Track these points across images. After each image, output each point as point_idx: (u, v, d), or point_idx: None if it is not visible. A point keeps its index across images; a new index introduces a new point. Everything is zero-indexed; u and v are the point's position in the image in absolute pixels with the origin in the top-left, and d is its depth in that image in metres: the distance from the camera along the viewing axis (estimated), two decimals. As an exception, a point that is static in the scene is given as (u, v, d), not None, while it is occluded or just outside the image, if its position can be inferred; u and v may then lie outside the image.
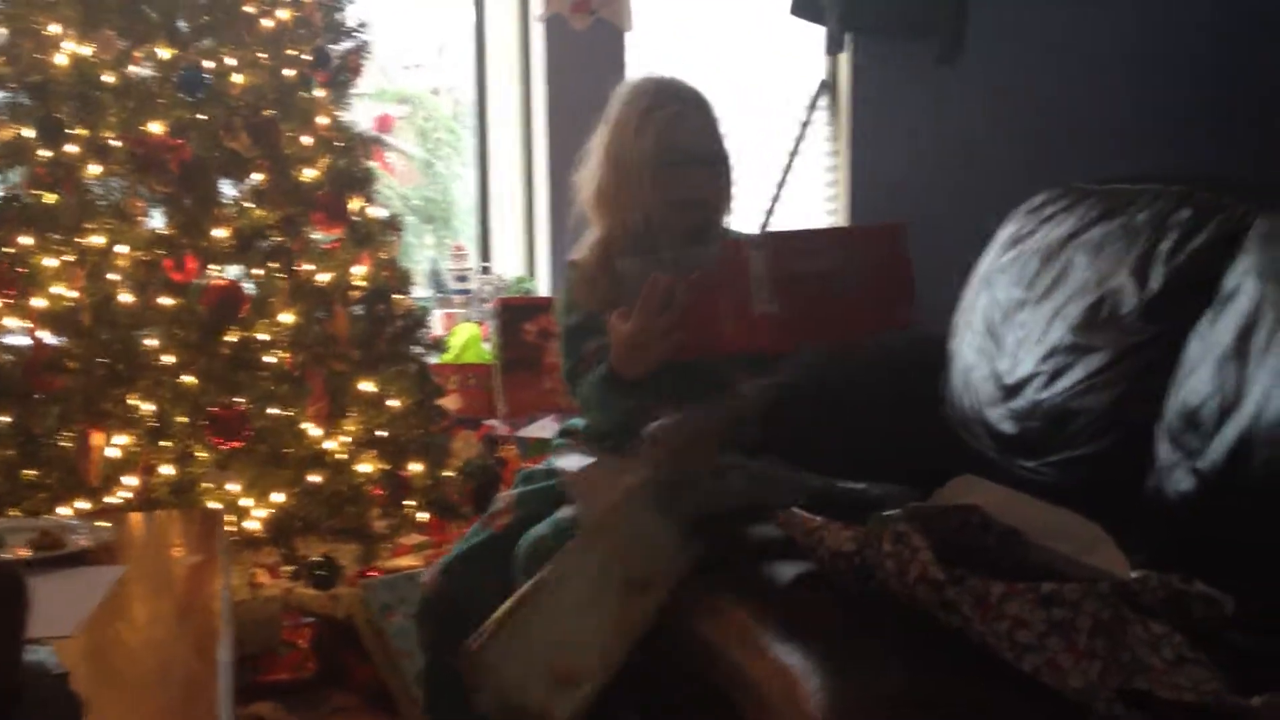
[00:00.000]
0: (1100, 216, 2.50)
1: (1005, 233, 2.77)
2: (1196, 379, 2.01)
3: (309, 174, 2.92)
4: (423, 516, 3.04)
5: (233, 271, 2.90)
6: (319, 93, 2.99)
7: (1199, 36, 4.01)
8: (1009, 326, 2.54)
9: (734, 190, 2.44)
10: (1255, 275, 2.00)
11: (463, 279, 4.01)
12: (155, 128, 2.77)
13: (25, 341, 2.74)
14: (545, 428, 3.52)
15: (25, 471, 2.68)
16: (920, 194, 4.13)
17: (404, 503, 2.96)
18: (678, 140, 2.33)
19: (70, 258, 2.71)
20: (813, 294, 2.05)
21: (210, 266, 2.82)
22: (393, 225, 3.13)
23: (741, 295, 2.02)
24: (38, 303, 2.69)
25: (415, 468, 2.98)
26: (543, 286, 4.04)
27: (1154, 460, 2.05)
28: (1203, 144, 3.92)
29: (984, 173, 3.98)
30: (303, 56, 2.96)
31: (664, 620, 2.00)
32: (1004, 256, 2.70)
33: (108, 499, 2.69)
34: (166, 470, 2.74)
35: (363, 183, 3.02)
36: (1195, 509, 1.92)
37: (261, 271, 2.88)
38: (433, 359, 3.22)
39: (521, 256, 4.18)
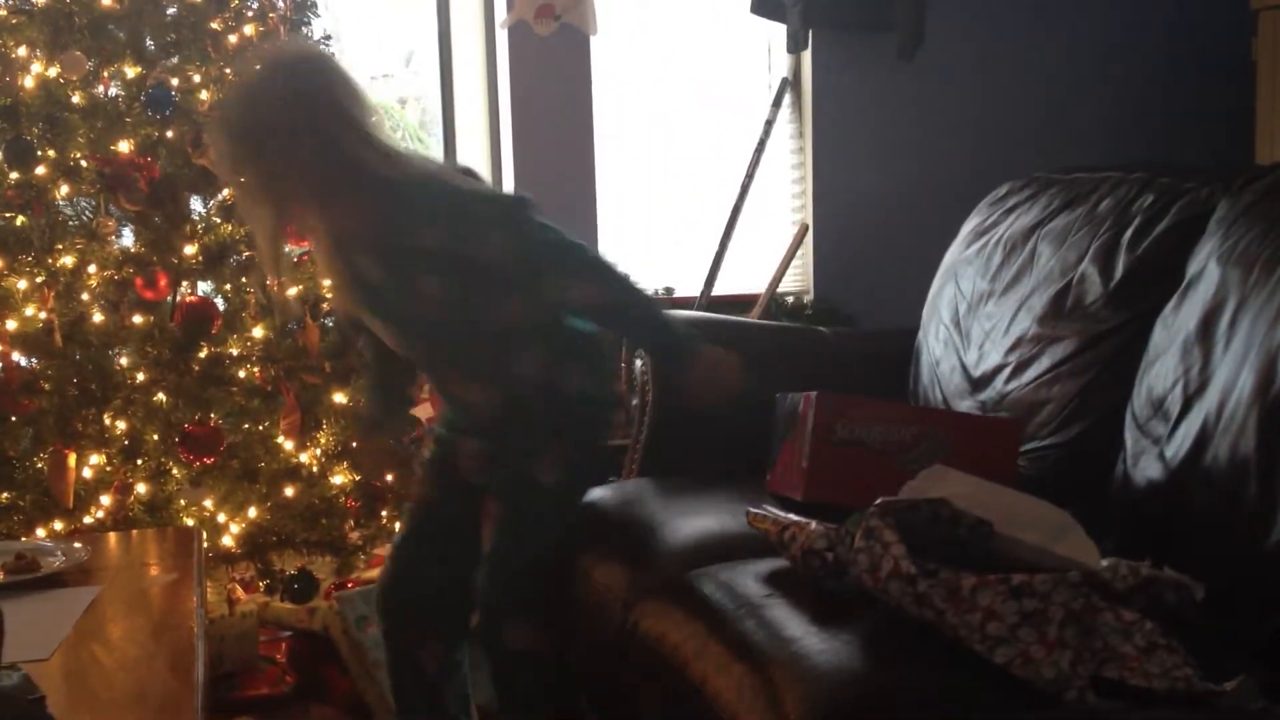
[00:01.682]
0: (1064, 206, 2.51)
1: (970, 225, 2.79)
2: (1162, 366, 2.03)
3: (277, 187, 2.92)
4: (397, 526, 3.04)
5: (203, 287, 2.90)
6: (285, 106, 2.98)
7: (1157, 23, 4.04)
8: (975, 318, 2.56)
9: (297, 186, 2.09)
10: (1217, 260, 2.02)
11: (434, 287, 4.01)
12: (124, 147, 2.76)
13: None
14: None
15: (0, 494, 2.68)
16: (884, 188, 4.16)
17: (378, 513, 2.96)
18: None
19: (41, 279, 2.70)
20: (868, 460, 2.14)
21: (182, 283, 2.82)
22: (362, 236, 3.13)
23: (800, 444, 2.18)
24: (9, 325, 2.68)
25: (389, 478, 2.98)
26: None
27: (1122, 448, 2.07)
28: (1164, 130, 3.95)
29: (947, 165, 4.01)
30: (268, 71, 2.95)
31: (635, 625, 2.00)
32: (969, 249, 2.71)
33: (84, 519, 2.69)
34: (141, 489, 2.74)
35: (331, 195, 3.01)
36: (1163, 495, 1.93)
37: (231, 286, 2.88)
38: (405, 369, 3.21)
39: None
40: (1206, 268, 2.03)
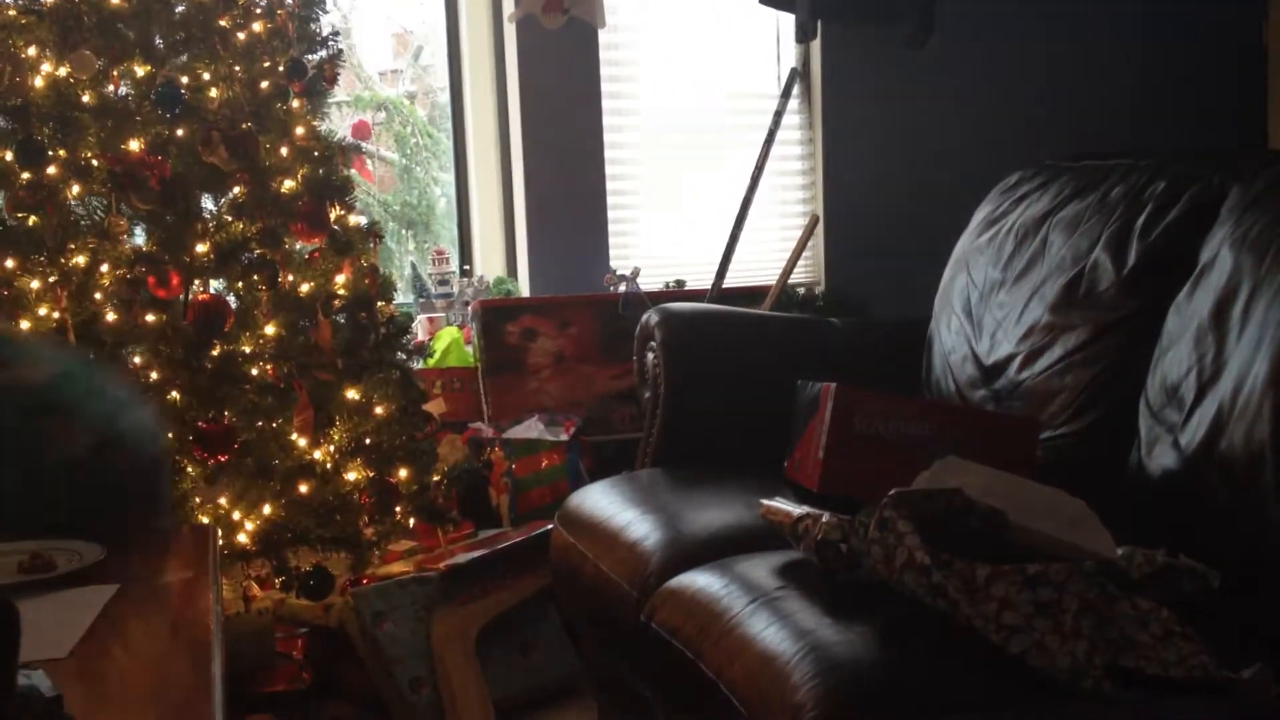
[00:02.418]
0: (1075, 194, 2.51)
1: (980, 214, 2.78)
2: (1175, 353, 2.02)
3: (288, 185, 2.92)
4: (411, 522, 3.05)
5: (215, 285, 2.90)
6: (295, 103, 2.99)
7: (1168, 9, 4.03)
8: (987, 307, 2.55)
9: None
10: (1230, 246, 2.02)
11: (444, 283, 4.01)
12: (134, 145, 2.76)
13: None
14: (531, 429, 3.52)
15: (15, 494, 2.68)
16: (895, 177, 4.15)
17: (392, 509, 2.96)
18: None
19: (54, 278, 2.71)
20: (884, 454, 2.14)
21: (194, 281, 2.82)
22: (373, 232, 3.13)
23: (817, 435, 2.18)
24: (23, 325, 2.69)
25: (402, 474, 2.99)
26: (524, 287, 4.04)
27: (1136, 436, 2.07)
28: (1176, 116, 3.94)
29: (957, 153, 4.00)
30: (278, 68, 2.95)
31: (648, 617, 2.00)
32: (980, 238, 2.71)
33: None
34: (157, 487, 2.74)
35: (342, 191, 3.01)
36: (1178, 483, 1.93)
37: (243, 284, 2.88)
38: (416, 364, 3.22)
39: (501, 257, 4.18)
40: (1219, 254, 2.03)
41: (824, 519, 1.82)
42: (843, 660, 1.57)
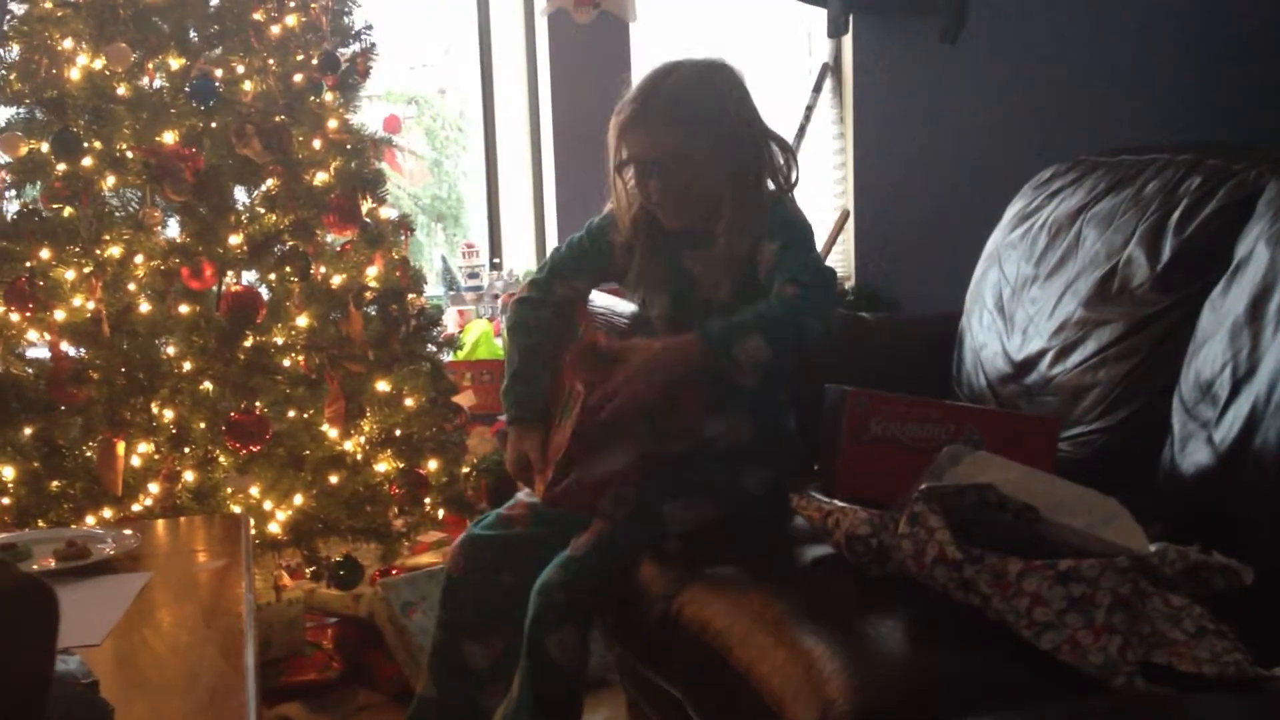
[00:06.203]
0: (1109, 188, 2.49)
1: (1013, 209, 2.77)
2: (1210, 349, 2.01)
3: (320, 177, 2.94)
4: (440, 513, 3.06)
5: (248, 277, 2.92)
6: (328, 96, 3.00)
7: (1206, 0, 3.99)
8: (1019, 303, 2.54)
9: (713, 176, 2.26)
10: (1266, 241, 2.00)
11: (474, 276, 4.02)
12: (169, 138, 2.78)
13: (47, 355, 2.76)
14: (560, 421, 3.52)
15: (50, 483, 2.71)
16: (927, 172, 4.13)
17: (422, 500, 2.97)
18: (623, 144, 2.30)
19: (89, 269, 2.73)
20: (902, 457, 2.13)
21: (227, 273, 2.84)
22: (404, 225, 3.15)
23: (836, 440, 2.17)
24: (58, 315, 2.72)
25: (432, 465, 3.00)
26: (555, 280, 4.05)
27: (1169, 432, 2.05)
28: (1212, 110, 3.91)
29: (990, 148, 3.98)
30: (311, 61, 2.97)
31: (678, 613, 2.00)
32: (1013, 233, 2.69)
33: (132, 507, 2.72)
34: (189, 476, 2.76)
35: (373, 184, 3.03)
36: (1212, 479, 1.91)
37: (276, 276, 2.90)
38: (446, 357, 3.23)
39: (531, 251, 4.19)
40: (1255, 250, 2.01)
41: (854, 514, 1.82)
42: (873, 655, 1.57)
